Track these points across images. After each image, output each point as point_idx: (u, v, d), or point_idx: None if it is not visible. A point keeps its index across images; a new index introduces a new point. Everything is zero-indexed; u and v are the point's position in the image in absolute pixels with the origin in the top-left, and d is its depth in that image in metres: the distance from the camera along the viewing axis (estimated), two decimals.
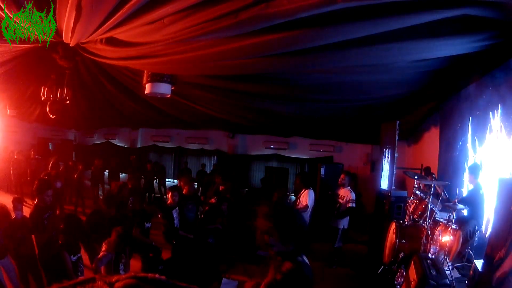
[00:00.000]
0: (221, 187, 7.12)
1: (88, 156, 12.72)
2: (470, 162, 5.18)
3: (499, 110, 4.39)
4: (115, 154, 13.63)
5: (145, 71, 5.22)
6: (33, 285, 3.91)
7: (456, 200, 4.56)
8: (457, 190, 4.92)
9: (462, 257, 4.57)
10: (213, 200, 6.26)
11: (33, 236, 3.98)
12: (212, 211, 5.44)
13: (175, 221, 4.77)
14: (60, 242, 3.09)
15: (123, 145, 14.90)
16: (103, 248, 3.24)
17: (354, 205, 5.65)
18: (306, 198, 5.47)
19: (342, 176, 5.99)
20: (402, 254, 4.32)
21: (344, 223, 5.70)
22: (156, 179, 11.75)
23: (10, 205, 4.12)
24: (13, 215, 3.97)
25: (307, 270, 1.81)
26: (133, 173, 8.50)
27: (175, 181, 12.58)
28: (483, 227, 4.44)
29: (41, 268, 3.57)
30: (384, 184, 6.31)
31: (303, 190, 5.67)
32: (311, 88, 5.40)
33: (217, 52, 3.62)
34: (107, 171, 11.44)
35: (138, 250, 4.51)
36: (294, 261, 1.78)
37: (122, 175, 11.67)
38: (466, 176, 4.64)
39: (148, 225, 4.65)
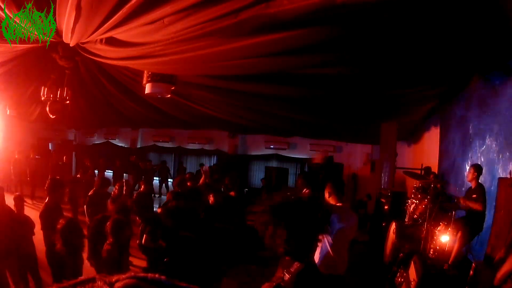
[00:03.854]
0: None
1: (89, 156, 12.74)
2: (470, 162, 5.19)
3: (499, 110, 4.40)
4: (117, 154, 13.66)
5: (145, 71, 5.22)
6: (33, 284, 3.92)
7: (456, 200, 4.57)
8: (457, 190, 4.93)
9: (462, 257, 4.58)
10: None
11: (31, 235, 4.00)
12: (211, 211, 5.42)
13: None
14: (58, 246, 3.09)
15: (123, 145, 14.90)
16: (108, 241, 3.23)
17: None
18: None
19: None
20: (402, 254, 4.33)
21: None
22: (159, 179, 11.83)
23: (10, 204, 4.13)
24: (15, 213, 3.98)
25: (316, 271, 1.80)
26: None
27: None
28: (484, 227, 4.44)
29: (48, 265, 3.58)
30: (384, 184, 6.31)
31: (304, 190, 5.69)
32: (311, 88, 5.40)
33: (217, 52, 3.62)
34: (111, 171, 11.51)
35: (147, 255, 4.50)
36: (303, 261, 1.74)
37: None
38: (466, 176, 4.65)
39: (159, 233, 4.54)
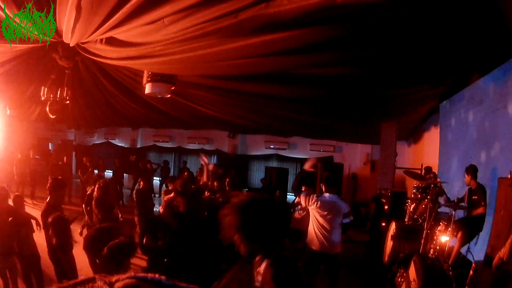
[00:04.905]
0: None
1: (88, 156, 12.73)
2: (470, 162, 5.19)
3: (499, 110, 4.39)
4: (117, 154, 13.67)
5: (145, 71, 5.22)
6: (36, 284, 3.92)
7: (457, 200, 4.57)
8: (457, 190, 4.92)
9: (462, 257, 4.57)
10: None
11: (32, 235, 4.00)
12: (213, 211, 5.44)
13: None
14: (55, 244, 3.11)
15: (123, 145, 14.91)
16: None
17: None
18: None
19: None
20: (402, 254, 4.32)
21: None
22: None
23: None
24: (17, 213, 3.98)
25: (287, 264, 1.66)
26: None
27: None
28: (484, 227, 4.44)
29: (52, 263, 3.59)
30: (384, 184, 6.31)
31: (303, 189, 5.77)
32: (311, 88, 5.40)
33: (217, 52, 3.63)
34: (111, 171, 11.52)
35: (147, 254, 4.49)
36: (272, 257, 1.63)
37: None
38: (465, 176, 4.65)
39: (160, 233, 4.39)
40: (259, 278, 1.62)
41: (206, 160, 5.86)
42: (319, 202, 4.07)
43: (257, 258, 1.67)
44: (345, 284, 5.08)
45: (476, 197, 4.39)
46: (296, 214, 5.44)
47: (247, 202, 1.68)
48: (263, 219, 1.66)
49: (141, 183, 6.56)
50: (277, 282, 1.53)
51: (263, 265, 1.61)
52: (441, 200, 4.84)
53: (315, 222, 4.10)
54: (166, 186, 12.15)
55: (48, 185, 3.86)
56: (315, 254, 4.12)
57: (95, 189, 5.14)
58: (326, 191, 4.15)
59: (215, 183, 6.93)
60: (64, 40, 4.18)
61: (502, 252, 2.88)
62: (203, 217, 5.35)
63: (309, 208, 4.16)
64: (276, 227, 1.71)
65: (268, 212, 1.69)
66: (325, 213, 4.04)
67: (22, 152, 10.84)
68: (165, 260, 4.29)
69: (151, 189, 7.17)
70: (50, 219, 3.18)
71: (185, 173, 7.84)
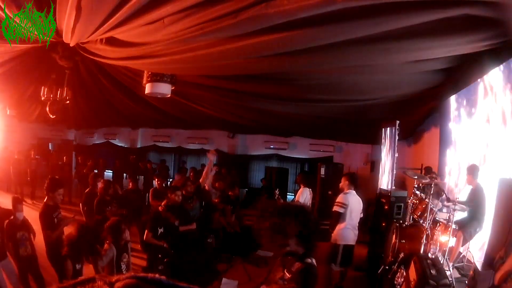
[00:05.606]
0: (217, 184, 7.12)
1: (89, 156, 12.74)
2: (469, 162, 5.18)
3: (499, 109, 4.39)
4: (117, 154, 13.67)
5: (145, 71, 5.22)
6: (34, 286, 3.91)
7: (457, 200, 4.56)
8: (457, 190, 4.92)
9: (462, 257, 4.57)
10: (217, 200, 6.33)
11: (32, 236, 4.00)
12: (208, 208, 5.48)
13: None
14: (65, 251, 3.11)
15: (123, 145, 14.90)
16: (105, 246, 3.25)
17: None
18: (299, 195, 5.68)
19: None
20: (402, 254, 4.32)
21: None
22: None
23: (9, 205, 4.12)
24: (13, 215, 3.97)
25: (315, 272, 1.87)
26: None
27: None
28: (484, 227, 4.44)
29: (51, 264, 3.59)
30: (384, 184, 6.30)
31: (300, 188, 5.86)
32: (311, 88, 5.40)
33: (217, 52, 3.62)
34: (111, 171, 11.52)
35: (148, 252, 4.49)
36: (304, 262, 1.84)
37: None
38: (465, 176, 4.65)
39: (161, 230, 4.43)
40: (288, 275, 1.83)
41: (213, 158, 5.92)
42: (353, 198, 4.55)
43: (289, 258, 1.88)
44: (345, 283, 5.08)
45: (476, 197, 4.39)
46: None
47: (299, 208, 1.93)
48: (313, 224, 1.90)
49: (130, 183, 6.55)
50: (304, 283, 1.77)
51: (296, 266, 1.82)
52: (441, 200, 4.83)
53: (349, 217, 4.49)
54: (166, 187, 12.17)
55: (45, 185, 3.84)
56: (348, 247, 4.54)
57: (98, 188, 5.15)
58: (349, 188, 4.58)
59: (217, 184, 6.94)
60: (64, 40, 4.18)
61: (502, 252, 2.88)
62: (202, 216, 5.36)
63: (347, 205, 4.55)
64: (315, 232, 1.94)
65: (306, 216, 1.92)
66: (355, 207, 4.56)
67: (20, 152, 10.83)
68: (165, 260, 4.29)
69: (147, 189, 7.16)
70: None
71: (191, 174, 7.79)
